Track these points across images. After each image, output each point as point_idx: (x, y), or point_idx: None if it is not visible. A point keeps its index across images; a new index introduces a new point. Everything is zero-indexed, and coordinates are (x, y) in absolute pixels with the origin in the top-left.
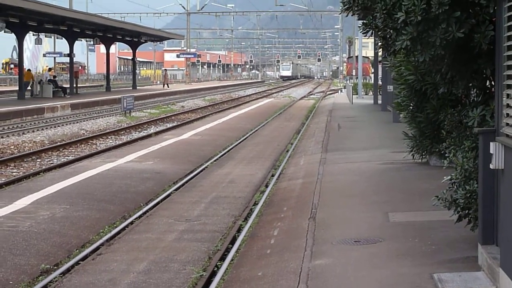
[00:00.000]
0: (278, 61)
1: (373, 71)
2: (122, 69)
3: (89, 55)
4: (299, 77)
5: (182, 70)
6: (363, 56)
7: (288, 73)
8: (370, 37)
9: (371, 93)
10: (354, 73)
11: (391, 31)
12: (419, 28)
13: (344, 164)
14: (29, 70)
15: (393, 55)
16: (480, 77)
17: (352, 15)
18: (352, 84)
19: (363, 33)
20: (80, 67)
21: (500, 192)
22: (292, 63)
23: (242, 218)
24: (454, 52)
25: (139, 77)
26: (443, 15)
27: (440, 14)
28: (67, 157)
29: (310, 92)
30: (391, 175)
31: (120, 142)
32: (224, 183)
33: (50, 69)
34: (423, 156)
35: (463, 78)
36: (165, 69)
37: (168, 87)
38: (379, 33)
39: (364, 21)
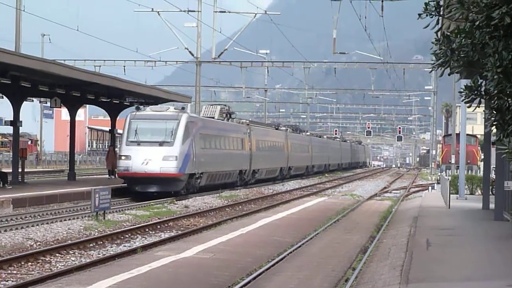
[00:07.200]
0: None
1: (482, 157)
2: (95, 146)
3: (45, 124)
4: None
5: None
6: (467, 135)
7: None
8: (479, 107)
9: (479, 191)
10: (452, 161)
11: (510, 99)
12: None
13: None
14: None
15: None
16: None
17: (449, 75)
18: (449, 178)
19: (465, 102)
20: (29, 142)
21: None
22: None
23: None
24: None
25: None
26: None
27: None
28: (3, 283)
29: (385, 188)
30: None
31: (89, 260)
32: None
33: None
34: None
35: None
36: (112, 146)
37: (113, 175)
38: (490, 102)
39: (468, 84)
